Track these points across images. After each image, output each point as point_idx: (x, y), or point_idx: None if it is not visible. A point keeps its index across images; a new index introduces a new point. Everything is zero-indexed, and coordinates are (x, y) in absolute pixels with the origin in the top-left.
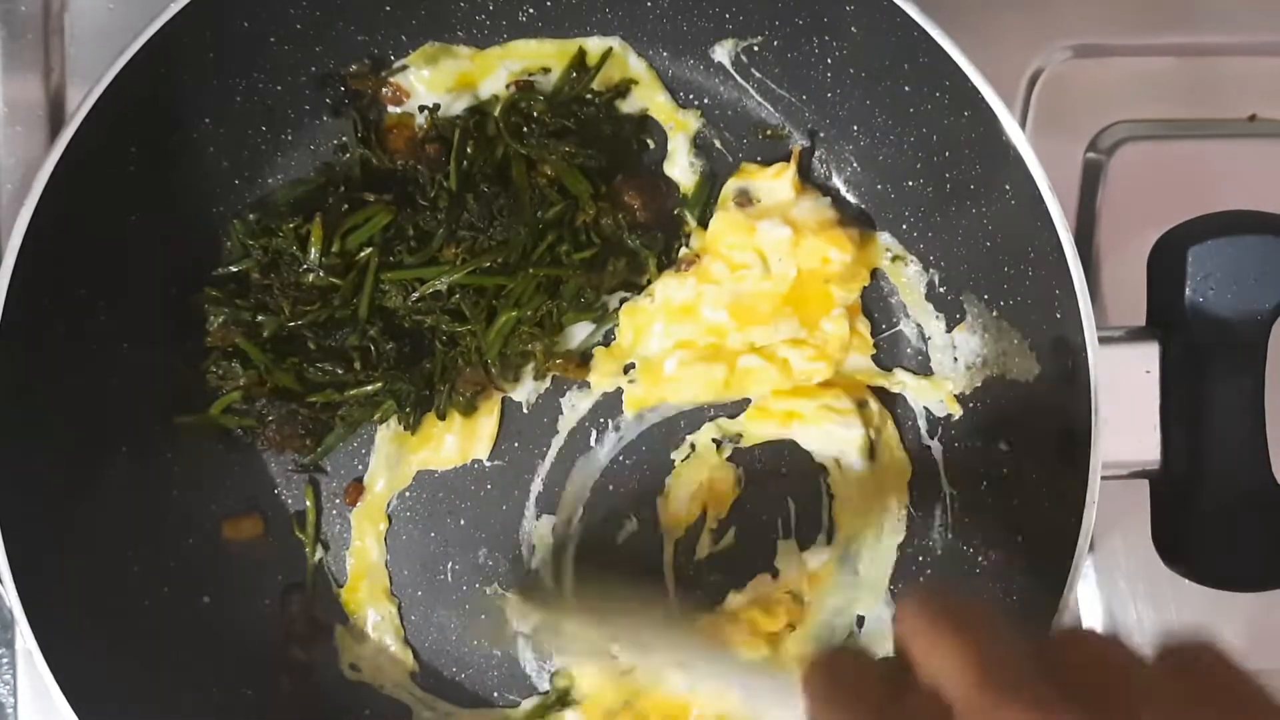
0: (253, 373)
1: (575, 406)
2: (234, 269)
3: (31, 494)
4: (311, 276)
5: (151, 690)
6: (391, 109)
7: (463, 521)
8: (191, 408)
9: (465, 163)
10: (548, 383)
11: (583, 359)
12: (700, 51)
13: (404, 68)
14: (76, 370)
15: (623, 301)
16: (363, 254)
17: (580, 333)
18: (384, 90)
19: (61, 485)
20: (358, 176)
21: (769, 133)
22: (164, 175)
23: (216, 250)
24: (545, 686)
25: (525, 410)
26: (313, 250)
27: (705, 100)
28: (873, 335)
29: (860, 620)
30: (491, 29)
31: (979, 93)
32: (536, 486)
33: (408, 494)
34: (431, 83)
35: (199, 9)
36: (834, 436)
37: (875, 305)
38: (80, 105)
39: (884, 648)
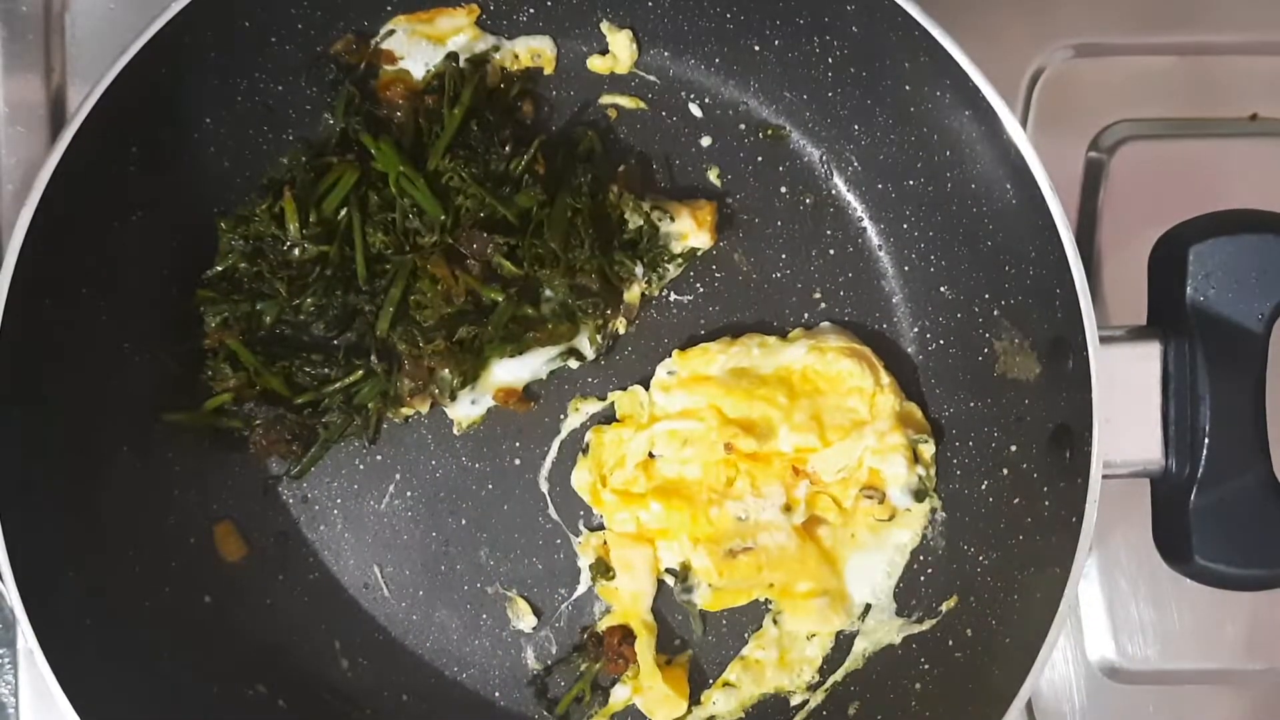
0: (243, 374)
1: (579, 408)
2: (220, 267)
3: (31, 494)
4: (298, 251)
5: (151, 690)
6: (386, 67)
7: (463, 521)
8: (188, 408)
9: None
10: (484, 412)
11: (525, 394)
12: (701, 51)
13: (393, 32)
14: (76, 370)
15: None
16: (341, 214)
17: (506, 373)
18: (375, 57)
19: (62, 485)
20: (322, 142)
21: (769, 133)
22: (164, 175)
23: (217, 250)
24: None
25: (455, 431)
26: (291, 225)
27: (706, 100)
28: None
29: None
30: (492, 29)
31: (980, 92)
32: (542, 485)
33: (409, 494)
34: (431, 36)
35: (200, 9)
36: None
37: None
38: (81, 105)
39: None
